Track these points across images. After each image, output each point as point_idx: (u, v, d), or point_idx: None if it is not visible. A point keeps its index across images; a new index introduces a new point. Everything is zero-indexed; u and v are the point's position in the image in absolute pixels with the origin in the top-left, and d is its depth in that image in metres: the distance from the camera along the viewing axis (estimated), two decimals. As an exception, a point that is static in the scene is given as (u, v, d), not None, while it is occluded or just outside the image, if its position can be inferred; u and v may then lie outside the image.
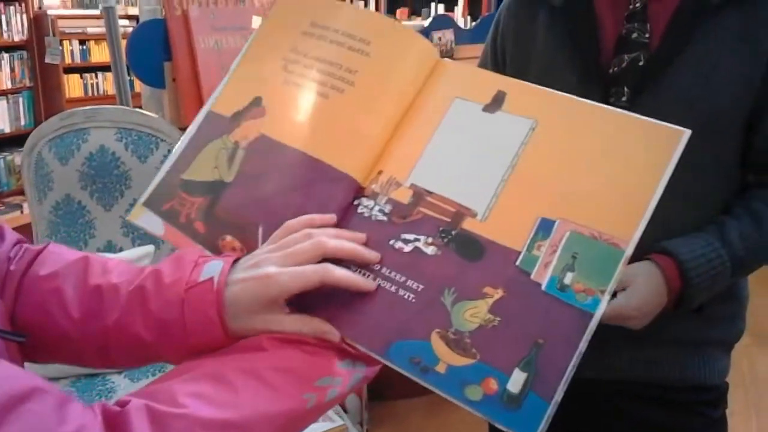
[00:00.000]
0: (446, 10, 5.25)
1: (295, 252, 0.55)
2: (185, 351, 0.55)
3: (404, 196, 0.62)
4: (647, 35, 0.98)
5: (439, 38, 2.59)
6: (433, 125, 0.65)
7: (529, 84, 0.66)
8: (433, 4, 5.57)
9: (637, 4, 0.99)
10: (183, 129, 1.97)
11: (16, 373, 0.43)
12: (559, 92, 0.64)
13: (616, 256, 0.53)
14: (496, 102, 0.64)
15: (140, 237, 2.00)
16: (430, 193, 0.61)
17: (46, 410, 0.42)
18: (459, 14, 4.65)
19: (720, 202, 1.01)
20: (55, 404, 0.42)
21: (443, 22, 2.64)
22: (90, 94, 4.80)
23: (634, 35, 0.99)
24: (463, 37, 2.63)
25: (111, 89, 4.82)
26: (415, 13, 5.69)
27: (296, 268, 0.55)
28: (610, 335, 0.97)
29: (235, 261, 0.58)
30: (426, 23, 2.66)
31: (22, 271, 0.61)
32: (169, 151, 2.01)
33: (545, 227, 0.55)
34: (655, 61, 0.97)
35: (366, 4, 5.90)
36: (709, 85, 0.95)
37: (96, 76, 4.84)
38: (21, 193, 3.97)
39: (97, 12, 4.76)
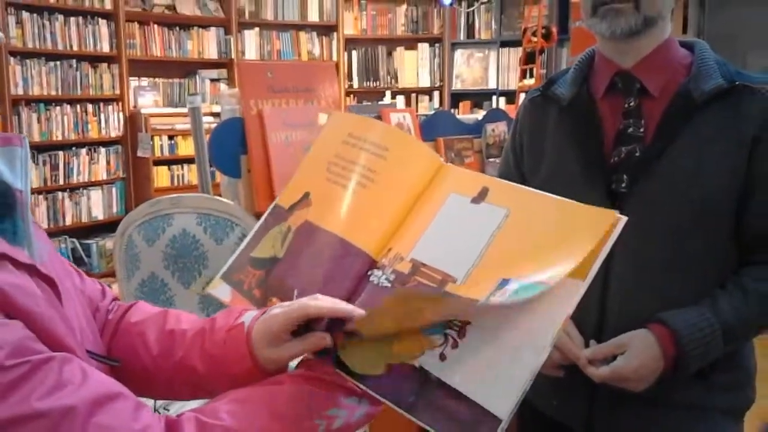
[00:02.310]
0: (507, 103, 5.49)
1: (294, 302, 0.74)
2: (227, 381, 0.72)
3: (405, 268, 0.78)
4: (642, 130, 1.12)
5: (492, 129, 2.76)
6: (433, 213, 0.82)
7: (508, 182, 0.83)
8: (494, 97, 5.83)
9: (632, 103, 1.14)
10: (255, 214, 2.20)
11: (107, 379, 0.61)
12: (529, 188, 0.81)
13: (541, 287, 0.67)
14: (481, 195, 0.80)
15: (213, 311, 2.20)
16: (424, 265, 0.77)
17: (126, 410, 0.60)
18: (516, 107, 4.87)
19: (715, 277, 1.10)
20: (133, 407, 0.60)
21: (497, 116, 2.80)
22: (176, 183, 5.13)
23: (630, 130, 1.13)
24: (516, 128, 2.79)
25: (194, 179, 5.19)
26: (477, 105, 5.93)
27: (290, 304, 0.73)
28: (625, 398, 1.07)
29: (265, 311, 0.76)
30: (480, 116, 2.84)
31: (117, 320, 0.81)
32: (243, 234, 2.24)
33: (503, 283, 0.70)
34: (648, 153, 1.10)
35: (431, 98, 6.21)
36: (698, 173, 1.07)
37: (182, 168, 5.16)
38: (111, 274, 4.28)
39: (184, 110, 5.20)
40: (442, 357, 0.71)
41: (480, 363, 0.69)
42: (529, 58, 4.54)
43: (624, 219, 0.70)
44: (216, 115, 5.06)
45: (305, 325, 0.73)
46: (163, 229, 2.23)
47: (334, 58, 6.00)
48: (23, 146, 0.71)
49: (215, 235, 2.24)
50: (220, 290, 0.89)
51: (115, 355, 0.78)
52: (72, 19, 4.73)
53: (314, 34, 5.96)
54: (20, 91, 4.47)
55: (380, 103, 5.73)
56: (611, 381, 1.04)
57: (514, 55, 5.71)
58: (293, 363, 0.77)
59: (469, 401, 0.67)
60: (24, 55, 4.50)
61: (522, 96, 4.52)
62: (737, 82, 1.07)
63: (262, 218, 0.95)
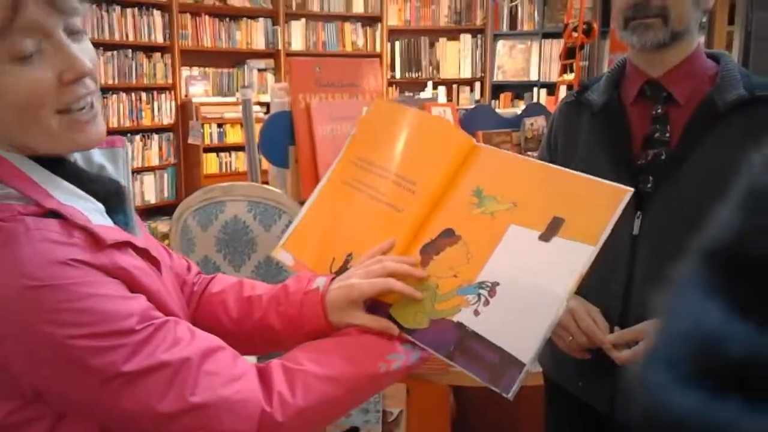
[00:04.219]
0: (548, 94, 5.53)
1: (369, 270, 0.85)
2: (301, 337, 0.86)
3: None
4: (668, 135, 1.21)
5: (531, 124, 2.84)
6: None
7: (533, 162, 0.94)
8: (535, 89, 5.87)
9: (659, 110, 1.23)
10: (301, 202, 2.32)
11: (210, 335, 0.75)
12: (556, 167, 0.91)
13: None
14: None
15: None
16: None
17: (227, 359, 0.74)
18: (556, 100, 4.91)
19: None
20: (232, 356, 0.74)
21: (536, 110, 2.87)
22: (224, 170, 5.29)
23: (657, 135, 1.22)
24: (555, 122, 2.86)
25: (241, 166, 5.34)
26: (518, 97, 5.97)
27: (371, 279, 0.84)
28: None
29: (334, 278, 0.88)
30: (519, 110, 2.91)
31: (201, 291, 0.95)
32: (290, 221, 2.37)
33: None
34: (673, 157, 1.19)
35: (472, 89, 6.27)
36: (720, 177, 1.15)
37: (230, 155, 5.32)
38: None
39: (233, 99, 5.36)
40: (476, 313, 0.83)
41: (507, 317, 0.82)
42: (569, 53, 4.57)
43: (630, 191, 0.82)
44: (263, 104, 5.22)
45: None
46: (216, 216, 2.38)
47: (378, 48, 6.10)
48: (124, 147, 0.85)
49: (264, 222, 2.38)
50: (284, 256, 1.03)
51: (200, 320, 0.92)
52: (128, 10, 4.94)
53: (359, 25, 6.07)
54: (79, 80, 4.68)
55: (421, 95, 5.82)
56: (633, 364, 1.14)
57: (557, 46, 5.73)
58: None
59: (498, 349, 0.80)
60: (83, 45, 4.70)
61: (562, 90, 4.57)
62: (758, 94, 1.15)
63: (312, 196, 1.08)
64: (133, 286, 0.72)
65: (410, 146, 1.01)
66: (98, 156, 0.81)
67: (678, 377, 0.35)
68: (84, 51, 0.73)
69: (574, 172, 0.90)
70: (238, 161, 5.35)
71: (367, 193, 1.01)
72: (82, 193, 0.75)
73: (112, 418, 0.70)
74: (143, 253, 0.77)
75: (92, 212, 0.74)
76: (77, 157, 0.79)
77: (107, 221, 0.76)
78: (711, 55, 1.26)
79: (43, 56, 0.69)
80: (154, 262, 0.79)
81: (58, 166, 0.75)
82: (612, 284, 1.21)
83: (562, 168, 0.91)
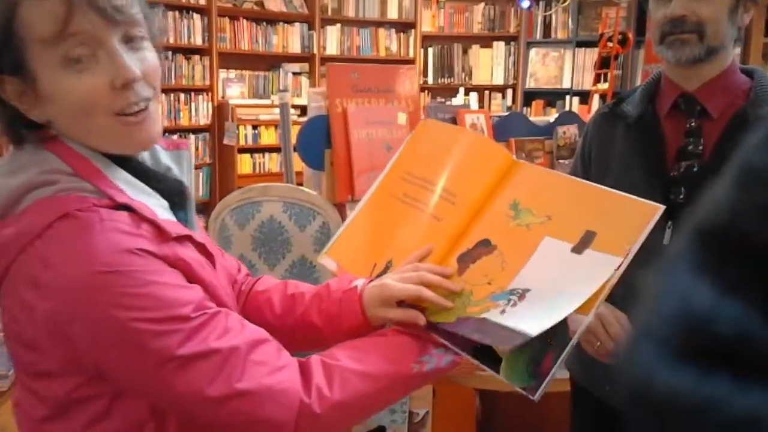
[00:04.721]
0: (580, 103, 5.52)
1: (404, 277, 0.90)
2: (340, 334, 0.91)
3: None
4: (701, 148, 1.24)
5: (564, 132, 2.86)
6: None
7: (569, 179, 0.98)
8: (567, 97, 5.86)
9: (693, 123, 1.26)
10: (335, 204, 2.38)
11: (258, 328, 0.81)
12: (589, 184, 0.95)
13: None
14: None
15: (296, 291, 2.40)
16: None
17: (272, 350, 0.79)
18: (588, 108, 4.91)
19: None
20: (277, 348, 0.80)
21: (568, 118, 2.89)
22: (257, 171, 5.38)
23: (690, 147, 1.25)
24: (587, 131, 2.88)
25: (274, 167, 5.42)
26: (550, 105, 5.98)
27: (404, 284, 0.89)
28: None
29: (372, 279, 0.94)
30: (552, 119, 2.93)
31: (249, 289, 1.01)
32: (324, 223, 2.44)
33: None
34: (706, 169, 1.22)
35: (504, 96, 6.29)
36: None
37: (263, 156, 5.41)
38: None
39: (268, 102, 5.45)
40: (503, 312, 0.87)
41: (528, 312, 0.86)
42: (604, 63, 4.58)
43: (661, 208, 0.85)
44: (297, 107, 5.31)
45: None
46: (253, 215, 2.44)
47: (411, 54, 6.16)
48: (188, 149, 0.91)
49: (299, 223, 2.44)
50: (328, 262, 1.09)
51: (245, 316, 0.98)
52: (169, 13, 5.05)
53: (393, 30, 6.13)
54: (120, 80, 4.81)
55: (453, 101, 5.86)
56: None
57: (590, 55, 5.73)
58: None
59: (510, 329, 0.84)
60: (124, 46, 4.83)
61: (596, 99, 4.57)
62: (791, 109, 1.18)
63: (358, 206, 1.14)
64: (191, 277, 0.78)
65: (453, 161, 1.06)
66: (165, 157, 0.88)
67: (668, 355, 0.35)
68: (139, 58, 0.78)
69: (608, 188, 0.93)
70: (272, 162, 5.44)
71: (410, 204, 1.06)
72: (150, 190, 0.81)
73: (165, 399, 0.76)
74: (201, 248, 0.83)
75: (158, 208, 0.80)
76: (146, 158, 0.86)
77: (171, 217, 0.82)
78: (745, 71, 1.29)
79: (98, 63, 0.75)
80: (210, 256, 0.85)
81: (127, 164, 0.81)
82: (642, 291, 1.25)
83: (596, 184, 0.95)
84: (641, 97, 1.35)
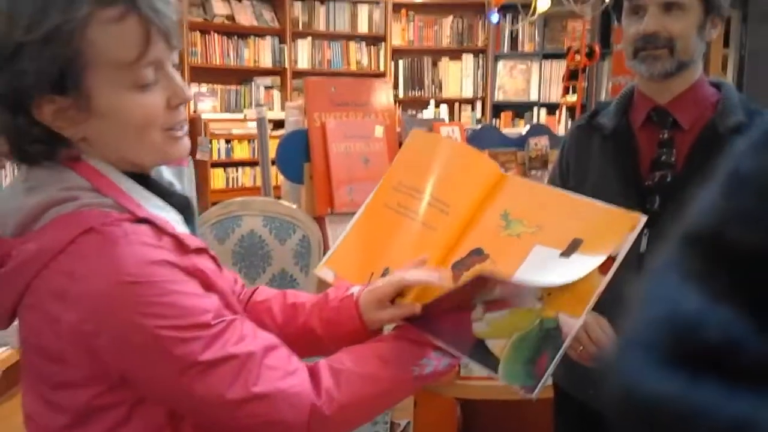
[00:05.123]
0: (548, 114, 5.65)
1: (391, 275, 0.97)
2: (339, 340, 0.94)
3: None
4: (673, 158, 1.31)
5: (535, 143, 2.93)
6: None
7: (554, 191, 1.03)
8: (535, 109, 5.98)
9: (665, 135, 1.33)
10: (316, 218, 2.40)
11: (269, 334, 0.84)
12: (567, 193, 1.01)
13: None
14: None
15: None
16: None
17: (284, 356, 0.82)
18: (557, 120, 5.02)
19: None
20: (288, 354, 0.83)
21: (539, 130, 2.96)
22: (231, 185, 5.35)
23: (664, 158, 1.31)
24: (558, 142, 2.95)
25: (248, 182, 5.40)
26: (518, 116, 6.09)
27: (390, 278, 0.95)
28: None
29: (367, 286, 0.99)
30: (524, 131, 3.00)
31: (246, 300, 1.04)
32: (304, 236, 2.46)
33: None
34: (678, 179, 1.28)
35: (473, 108, 6.40)
36: None
37: (236, 170, 5.39)
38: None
39: (240, 116, 5.44)
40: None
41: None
42: (572, 75, 4.70)
43: (644, 217, 0.90)
44: (271, 121, 5.31)
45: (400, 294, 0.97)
46: (233, 230, 2.44)
47: (382, 67, 6.22)
48: (188, 165, 0.94)
49: (279, 236, 2.45)
50: (325, 273, 1.13)
51: None
52: (139, 28, 5.04)
53: (363, 44, 6.19)
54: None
55: (424, 113, 5.92)
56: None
57: (557, 67, 5.86)
58: (389, 327, 1.01)
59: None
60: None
61: (564, 111, 4.68)
62: (756, 119, 1.25)
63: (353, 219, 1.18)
64: (208, 286, 0.81)
65: (445, 172, 1.10)
66: (167, 173, 0.91)
67: (655, 361, 0.35)
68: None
69: (592, 199, 0.99)
70: (245, 177, 5.43)
71: (404, 214, 1.10)
72: (165, 205, 0.84)
73: (186, 403, 0.79)
74: (213, 260, 0.86)
75: (174, 222, 0.83)
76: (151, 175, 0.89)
77: (186, 230, 0.85)
78: (713, 83, 1.36)
79: (157, 84, 0.80)
80: (220, 268, 0.88)
81: (143, 180, 0.84)
82: (621, 298, 1.30)
83: (581, 196, 1.00)
84: (616, 110, 1.41)
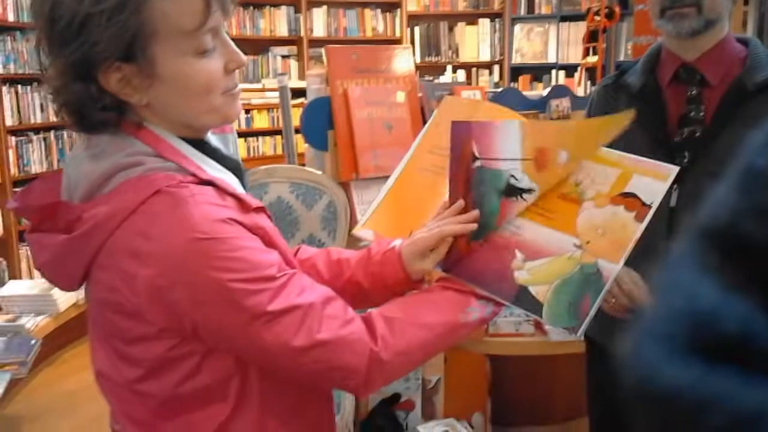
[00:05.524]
0: (566, 77, 5.61)
1: (430, 226, 1.02)
2: (385, 291, 0.99)
3: None
4: (702, 114, 1.33)
5: (557, 105, 2.94)
6: None
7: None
8: (554, 71, 5.95)
9: (694, 92, 1.35)
10: (341, 183, 2.44)
11: (325, 287, 0.89)
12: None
13: None
14: None
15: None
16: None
17: (341, 306, 0.87)
18: (576, 82, 5.00)
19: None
20: (344, 304, 0.88)
21: (561, 92, 2.96)
22: (252, 155, 5.42)
23: (692, 114, 1.34)
24: (579, 103, 2.95)
25: (269, 151, 5.46)
26: (536, 79, 6.06)
27: (430, 231, 1.00)
28: None
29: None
30: (545, 92, 3.00)
31: None
32: (331, 201, 2.50)
33: None
34: (707, 134, 1.31)
35: (491, 72, 6.36)
36: None
37: (257, 140, 5.46)
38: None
39: (259, 86, 5.47)
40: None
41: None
42: (592, 37, 4.66)
43: (676, 168, 0.95)
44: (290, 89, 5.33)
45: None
46: (260, 197, 2.48)
47: (398, 34, 6.19)
48: (232, 132, 0.99)
49: (306, 202, 2.50)
50: (365, 233, 1.18)
51: None
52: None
53: (378, 11, 6.16)
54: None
55: (441, 78, 5.91)
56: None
57: (574, 29, 5.80)
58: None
59: None
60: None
61: (584, 72, 4.65)
62: (785, 74, 1.27)
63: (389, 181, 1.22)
64: (269, 243, 0.86)
65: None
66: (214, 140, 0.95)
67: (673, 351, 0.35)
68: None
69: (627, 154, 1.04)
70: (265, 146, 5.48)
71: (439, 172, 1.15)
72: (222, 168, 0.89)
73: (253, 351, 0.84)
74: (270, 219, 0.91)
75: (233, 182, 0.88)
76: None
77: (243, 191, 0.90)
78: (740, 40, 1.37)
79: (215, 51, 0.84)
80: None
81: (201, 145, 0.89)
82: (651, 252, 1.34)
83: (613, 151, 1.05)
84: (643, 69, 1.43)
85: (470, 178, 1.03)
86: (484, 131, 1.01)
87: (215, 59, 0.84)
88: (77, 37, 0.77)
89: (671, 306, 0.37)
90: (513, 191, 1.01)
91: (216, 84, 0.84)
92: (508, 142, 1.00)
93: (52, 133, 4.37)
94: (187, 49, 0.81)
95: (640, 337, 0.38)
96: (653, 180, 0.96)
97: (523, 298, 0.96)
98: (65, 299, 3.42)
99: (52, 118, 4.24)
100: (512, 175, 1.01)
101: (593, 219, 0.98)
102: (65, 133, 4.41)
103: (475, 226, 1.02)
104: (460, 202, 1.05)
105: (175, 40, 0.80)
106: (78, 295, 3.50)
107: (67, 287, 0.88)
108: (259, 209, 0.88)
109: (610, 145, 1.11)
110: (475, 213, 1.03)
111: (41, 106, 4.27)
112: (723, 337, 0.34)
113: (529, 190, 1.01)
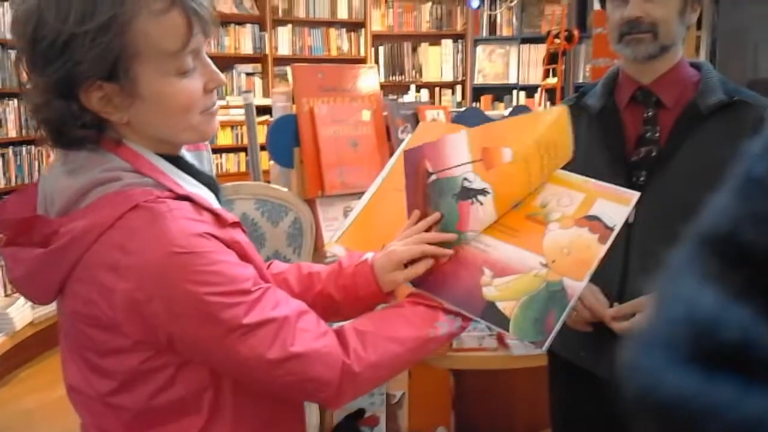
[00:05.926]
0: (527, 97, 5.74)
1: (407, 241, 1.03)
2: (356, 304, 1.01)
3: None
4: (657, 135, 1.39)
5: (519, 126, 3.01)
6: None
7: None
8: (515, 92, 6.07)
9: (650, 113, 1.41)
10: (307, 200, 2.45)
11: (299, 301, 0.90)
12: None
13: None
14: None
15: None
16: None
17: (314, 319, 0.89)
18: (536, 102, 5.12)
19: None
20: (317, 318, 0.89)
21: (521, 111, 3.04)
22: (216, 172, 5.30)
23: (648, 134, 1.39)
24: (540, 124, 3.03)
25: (231, 167, 5.45)
26: (498, 99, 6.17)
27: (407, 246, 1.01)
28: None
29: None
30: (506, 112, 3.08)
31: None
32: (296, 218, 2.51)
33: None
34: (663, 154, 1.37)
35: (453, 92, 6.47)
36: (703, 171, 1.33)
37: (220, 157, 5.43)
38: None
39: (223, 103, 5.46)
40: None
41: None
42: (552, 59, 4.78)
43: (637, 194, 0.99)
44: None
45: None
46: (226, 214, 2.49)
47: (362, 53, 6.26)
48: (207, 149, 1.00)
49: (271, 219, 2.50)
50: (337, 249, 1.20)
51: None
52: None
53: (343, 30, 6.22)
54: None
55: (405, 98, 5.98)
56: (631, 333, 1.32)
57: (534, 51, 5.94)
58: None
59: None
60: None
61: (544, 93, 4.77)
62: (735, 98, 1.33)
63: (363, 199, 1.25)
64: (244, 257, 0.87)
65: None
66: (189, 157, 0.97)
67: (674, 360, 0.35)
68: None
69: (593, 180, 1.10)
70: (229, 163, 5.46)
71: None
72: (198, 183, 0.90)
73: (229, 364, 0.85)
74: (245, 234, 0.92)
75: (208, 198, 0.89)
76: None
77: (219, 206, 0.91)
78: (693, 64, 1.44)
79: (195, 71, 0.86)
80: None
81: (177, 161, 0.90)
82: (610, 267, 1.39)
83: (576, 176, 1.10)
84: (602, 91, 1.49)
85: (428, 193, 1.06)
86: (434, 148, 1.05)
87: (195, 79, 0.86)
88: (60, 56, 0.78)
89: (671, 314, 0.37)
90: (467, 193, 1.05)
91: (195, 103, 0.86)
92: (458, 151, 1.04)
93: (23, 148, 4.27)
94: (168, 70, 0.83)
95: (640, 346, 0.38)
96: (616, 204, 1.01)
97: (491, 313, 0.99)
98: (21, 318, 3.34)
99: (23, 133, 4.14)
100: (465, 178, 1.05)
101: (559, 239, 1.02)
102: (33, 148, 4.32)
103: (454, 236, 1.05)
104: (416, 212, 1.08)
105: (157, 60, 0.82)
106: (34, 314, 3.42)
107: (42, 301, 0.88)
108: (235, 224, 0.89)
109: (574, 167, 1.16)
110: (437, 215, 1.06)
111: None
112: (724, 346, 0.33)
113: (482, 191, 1.04)
